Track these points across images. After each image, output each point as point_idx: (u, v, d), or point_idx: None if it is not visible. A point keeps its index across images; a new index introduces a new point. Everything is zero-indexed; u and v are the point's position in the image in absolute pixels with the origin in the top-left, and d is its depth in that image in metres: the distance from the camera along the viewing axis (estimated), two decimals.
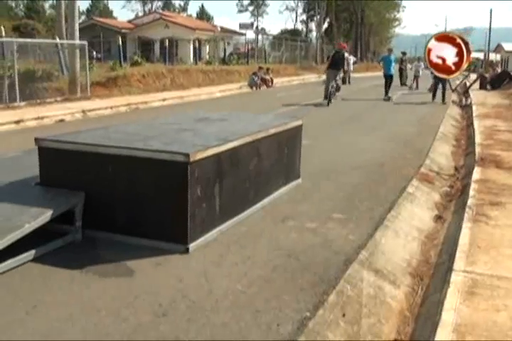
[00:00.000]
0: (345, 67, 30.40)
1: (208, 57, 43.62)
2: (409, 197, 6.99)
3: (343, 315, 3.87)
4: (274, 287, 4.17)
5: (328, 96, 18.31)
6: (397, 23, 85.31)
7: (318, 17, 62.67)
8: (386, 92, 21.07)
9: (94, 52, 34.61)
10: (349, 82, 29.67)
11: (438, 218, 6.61)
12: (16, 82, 15.55)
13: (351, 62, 30.97)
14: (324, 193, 6.99)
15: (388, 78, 21.54)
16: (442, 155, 10.37)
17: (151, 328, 3.53)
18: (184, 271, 4.42)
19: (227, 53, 41.21)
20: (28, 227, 4.46)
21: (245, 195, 5.83)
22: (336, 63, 18.82)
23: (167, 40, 32.62)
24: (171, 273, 4.38)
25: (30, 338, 3.40)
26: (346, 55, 22.03)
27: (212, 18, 75.35)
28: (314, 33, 64.82)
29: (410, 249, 5.49)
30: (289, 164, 6.96)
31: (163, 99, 18.87)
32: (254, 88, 26.00)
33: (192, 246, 4.84)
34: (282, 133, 6.65)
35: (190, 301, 3.90)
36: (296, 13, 73.22)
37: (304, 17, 70.43)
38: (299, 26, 71.89)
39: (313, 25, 67.31)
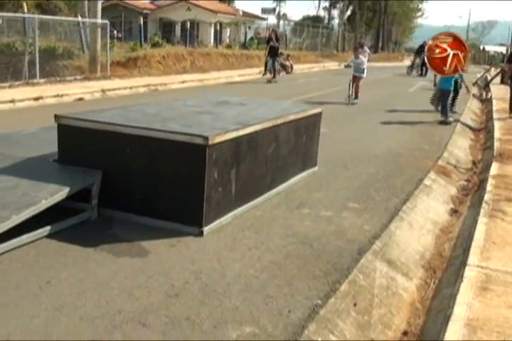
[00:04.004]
0: (362, 59, 30.35)
1: (228, 40, 43.46)
2: (425, 189, 6.94)
3: (355, 305, 3.86)
4: (287, 273, 4.18)
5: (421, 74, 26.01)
6: (420, 13, 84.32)
7: (342, 4, 62.10)
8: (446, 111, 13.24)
9: (115, 32, 34.54)
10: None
11: (454, 212, 6.57)
12: (37, 59, 15.59)
13: (366, 55, 30.62)
14: (340, 182, 6.97)
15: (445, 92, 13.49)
16: (461, 148, 10.30)
17: (162, 308, 3.55)
18: (198, 254, 4.44)
19: (247, 38, 41.00)
20: (45, 203, 4.49)
21: (261, 180, 5.83)
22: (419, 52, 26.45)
23: (188, 23, 32.49)
24: (185, 255, 4.40)
25: (43, 312, 3.44)
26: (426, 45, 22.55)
27: (234, 1, 74.70)
28: (336, 21, 64.21)
29: (424, 242, 5.47)
30: (306, 151, 6.93)
31: (183, 82, 18.84)
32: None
33: (206, 229, 4.85)
34: (301, 120, 6.62)
35: (203, 283, 3.92)
36: None
37: (327, 4, 69.69)
38: (322, 13, 71.15)
39: (335, 13, 66.63)
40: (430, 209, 6.42)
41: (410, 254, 5.06)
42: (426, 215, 6.16)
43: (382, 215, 5.72)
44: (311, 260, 4.46)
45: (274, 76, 21.87)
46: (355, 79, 15.70)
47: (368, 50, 31.59)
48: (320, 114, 7.27)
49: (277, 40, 22.38)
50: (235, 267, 4.23)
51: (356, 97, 15.57)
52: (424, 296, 4.38)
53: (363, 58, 16.02)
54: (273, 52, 21.89)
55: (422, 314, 4.09)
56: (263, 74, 22.67)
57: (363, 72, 15.74)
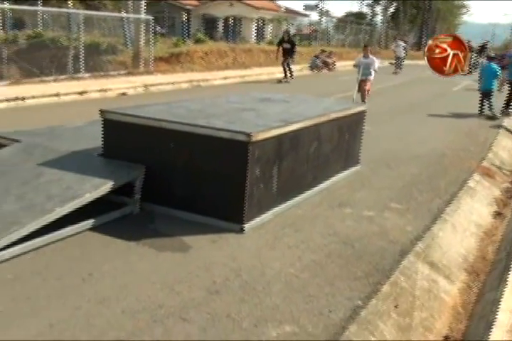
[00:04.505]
0: (401, 55, 29.93)
1: (270, 37, 43.36)
2: (469, 191, 6.81)
3: (396, 307, 3.81)
4: (328, 273, 4.15)
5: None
6: (464, 10, 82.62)
7: (385, 1, 61.32)
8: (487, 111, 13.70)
9: (159, 28, 34.79)
10: (400, 69, 29.14)
11: (497, 214, 6.44)
12: (81, 54, 15.82)
13: (401, 49, 30.11)
14: (383, 181, 6.89)
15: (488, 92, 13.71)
16: (505, 149, 10.08)
17: (203, 304, 3.57)
18: (238, 251, 4.44)
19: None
20: (89, 197, 4.56)
21: (303, 178, 5.79)
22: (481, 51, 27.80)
23: (231, 19, 32.50)
24: (226, 252, 4.41)
25: (85, 304, 3.49)
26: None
27: None
28: (380, 17, 63.42)
29: (467, 244, 5.36)
30: (349, 150, 6.87)
31: (225, 78, 18.88)
32: (315, 70, 25.73)
33: (247, 226, 4.85)
34: (344, 118, 6.56)
35: (243, 281, 3.92)
36: None
37: (370, 0, 68.97)
38: (364, 10, 70.40)
39: (379, 9, 65.78)
40: (474, 211, 6.30)
41: (453, 257, 4.97)
42: (469, 217, 6.05)
43: (424, 216, 5.63)
44: (353, 260, 4.41)
45: (285, 76, 20.28)
46: (362, 83, 13.01)
47: (402, 44, 30.97)
48: (364, 112, 7.19)
49: (290, 41, 20.66)
50: (275, 265, 4.22)
51: (363, 101, 12.69)
52: (466, 300, 4.30)
53: (374, 58, 13.18)
54: (285, 54, 20.30)
55: (464, 319, 4.01)
56: (285, 80, 20.14)
57: (371, 74, 13.01)
